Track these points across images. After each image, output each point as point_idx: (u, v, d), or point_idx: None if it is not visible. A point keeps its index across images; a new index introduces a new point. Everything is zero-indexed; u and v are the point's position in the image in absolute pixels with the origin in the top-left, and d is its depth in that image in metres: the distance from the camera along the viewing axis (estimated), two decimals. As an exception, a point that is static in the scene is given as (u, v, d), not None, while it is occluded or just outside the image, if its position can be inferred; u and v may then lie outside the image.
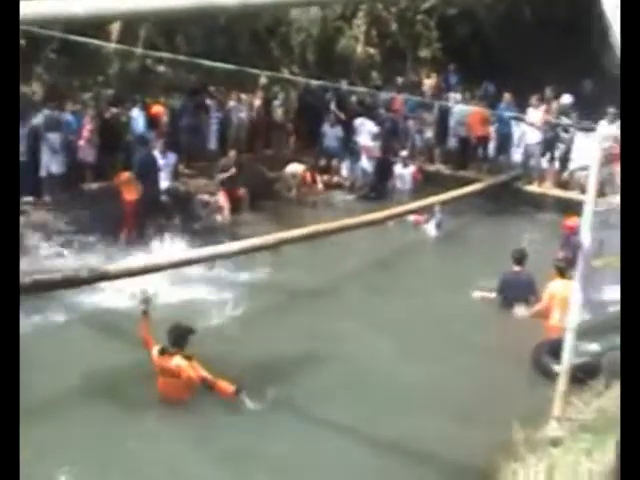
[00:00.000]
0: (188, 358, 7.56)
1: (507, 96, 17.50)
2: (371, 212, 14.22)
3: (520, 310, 10.29)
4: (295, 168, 16.56)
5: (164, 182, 14.39)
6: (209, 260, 11.01)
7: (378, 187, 17.12)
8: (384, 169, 17.40)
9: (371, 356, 9.01)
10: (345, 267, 12.48)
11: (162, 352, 7.65)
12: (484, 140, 17.79)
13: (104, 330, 9.38)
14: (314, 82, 17.27)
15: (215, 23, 16.52)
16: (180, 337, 7.63)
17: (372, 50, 20.86)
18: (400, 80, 19.92)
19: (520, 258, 10.74)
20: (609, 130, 12.60)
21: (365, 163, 17.58)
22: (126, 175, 13.45)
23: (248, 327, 9.51)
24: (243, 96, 17.33)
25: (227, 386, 7.56)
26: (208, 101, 16.73)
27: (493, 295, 10.79)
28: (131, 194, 13.18)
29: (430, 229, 14.54)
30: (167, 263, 10.42)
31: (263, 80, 17.29)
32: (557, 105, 16.94)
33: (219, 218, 14.49)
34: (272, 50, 18.94)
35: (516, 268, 10.72)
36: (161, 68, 16.82)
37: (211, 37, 17.32)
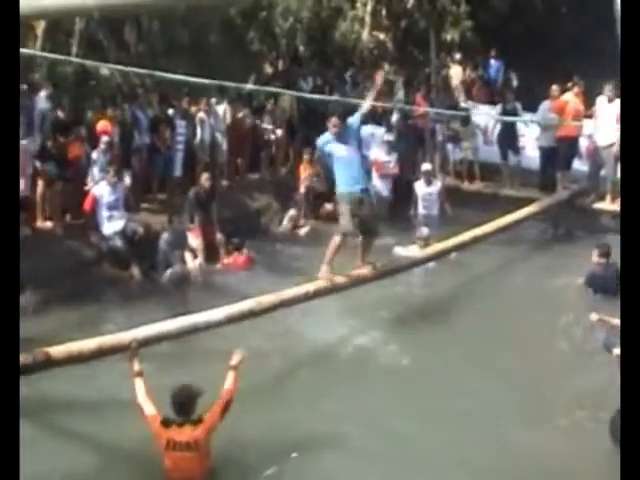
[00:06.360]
0: (200, 421, 7.59)
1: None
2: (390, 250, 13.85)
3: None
4: None
5: (117, 221, 13.97)
6: (185, 334, 10.17)
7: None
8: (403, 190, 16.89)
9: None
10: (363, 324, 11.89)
11: (167, 424, 7.56)
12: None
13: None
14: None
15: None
16: (190, 403, 7.61)
17: (382, 35, 20.55)
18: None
19: (607, 252, 11.99)
20: None
21: (378, 184, 16.96)
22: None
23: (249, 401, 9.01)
24: (221, 106, 16.90)
25: (230, 375, 7.87)
26: (171, 113, 16.32)
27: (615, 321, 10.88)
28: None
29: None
30: (129, 341, 9.49)
31: (248, 86, 16.84)
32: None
33: (190, 265, 13.95)
34: (251, 42, 18.63)
35: (601, 260, 12.03)
36: (105, 71, 16.26)
37: (171, 28, 16.98)
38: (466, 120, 18.46)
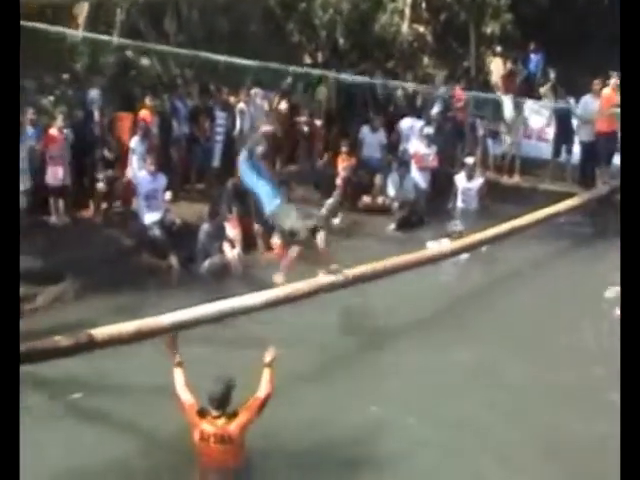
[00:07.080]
0: (235, 415, 7.59)
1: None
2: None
3: None
4: None
5: (154, 212, 13.96)
6: (223, 318, 10.31)
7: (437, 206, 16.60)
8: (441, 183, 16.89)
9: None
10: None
11: (203, 415, 7.59)
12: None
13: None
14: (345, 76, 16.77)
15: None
16: (226, 397, 7.59)
17: (422, 28, 20.43)
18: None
19: None
20: None
21: (417, 176, 16.98)
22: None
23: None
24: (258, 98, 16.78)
25: (266, 372, 7.76)
26: (211, 103, 16.29)
27: None
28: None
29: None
30: (168, 324, 9.68)
31: (288, 80, 16.88)
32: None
33: (229, 255, 13.95)
34: (291, 33, 18.56)
35: None
36: (145, 61, 16.34)
37: (210, 18, 16.96)
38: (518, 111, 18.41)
